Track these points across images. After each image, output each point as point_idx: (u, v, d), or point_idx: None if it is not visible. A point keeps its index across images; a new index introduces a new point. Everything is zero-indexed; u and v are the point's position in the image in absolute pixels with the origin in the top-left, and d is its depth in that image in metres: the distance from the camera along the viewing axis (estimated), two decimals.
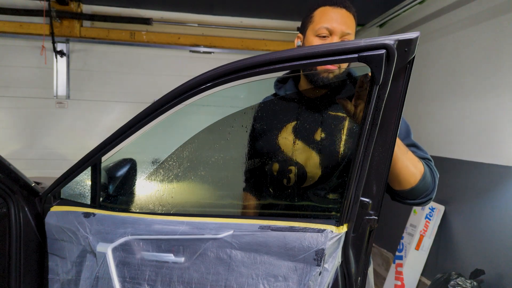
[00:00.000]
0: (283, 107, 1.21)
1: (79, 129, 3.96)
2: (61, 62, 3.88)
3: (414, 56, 0.83)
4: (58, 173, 1.27)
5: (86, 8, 3.88)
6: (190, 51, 4.12)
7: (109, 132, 1.09)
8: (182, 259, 1.02)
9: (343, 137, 1.10)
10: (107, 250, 1.09)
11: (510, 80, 2.29)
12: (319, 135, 1.12)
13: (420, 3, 3.08)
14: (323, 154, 1.11)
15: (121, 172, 1.31)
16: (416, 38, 0.79)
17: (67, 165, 1.22)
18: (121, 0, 3.77)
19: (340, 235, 0.90)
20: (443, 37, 2.95)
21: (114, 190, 1.29)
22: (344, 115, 1.10)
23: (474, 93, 2.59)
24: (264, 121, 1.22)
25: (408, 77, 0.84)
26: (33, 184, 1.28)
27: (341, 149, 1.09)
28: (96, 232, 1.13)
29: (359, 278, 0.96)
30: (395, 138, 0.88)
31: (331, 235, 0.88)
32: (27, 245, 1.24)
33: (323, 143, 1.11)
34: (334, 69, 1.08)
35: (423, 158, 1.08)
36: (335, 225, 0.90)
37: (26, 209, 1.24)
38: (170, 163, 1.24)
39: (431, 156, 1.13)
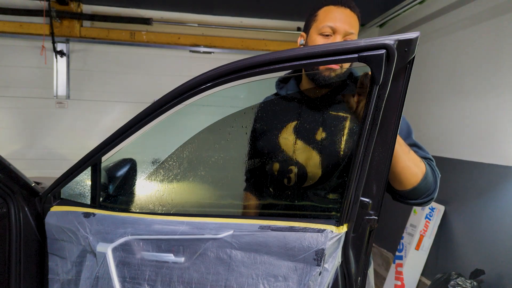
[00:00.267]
0: (284, 107, 1.21)
1: (79, 129, 3.96)
2: (61, 62, 3.88)
3: (414, 56, 0.83)
4: (58, 173, 1.27)
5: (86, 8, 3.88)
6: (190, 51, 4.12)
7: (109, 132, 1.09)
8: (182, 259, 1.02)
9: (344, 137, 1.09)
10: (107, 250, 1.09)
11: (510, 80, 2.29)
12: (320, 135, 1.12)
13: (420, 3, 3.08)
14: (323, 154, 1.10)
15: (121, 172, 1.31)
16: (416, 38, 0.79)
17: (67, 165, 1.22)
18: (121, 0, 3.77)
19: (340, 235, 0.90)
20: (443, 37, 2.95)
21: (114, 190, 1.29)
22: (345, 115, 1.10)
23: (474, 93, 2.59)
24: (265, 121, 1.22)
25: (408, 77, 0.84)
26: (33, 184, 1.28)
27: (342, 149, 1.09)
28: (96, 232, 1.13)
29: (359, 278, 0.96)
30: (395, 138, 0.88)
31: (331, 235, 0.88)
32: (27, 245, 1.24)
33: (324, 143, 1.11)
34: (336, 68, 1.08)
35: (424, 158, 1.08)
36: (335, 225, 0.90)
37: (26, 209, 1.24)
38: (170, 163, 1.24)
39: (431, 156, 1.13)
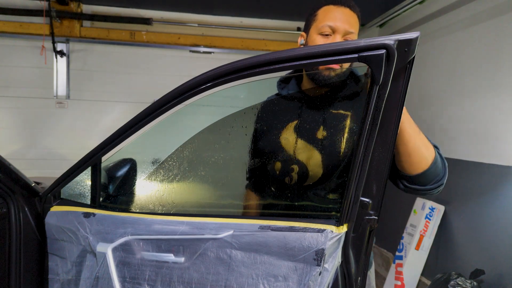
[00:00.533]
0: (286, 106, 1.21)
1: (79, 129, 3.96)
2: (61, 62, 3.87)
3: (414, 56, 0.83)
4: (58, 173, 1.27)
5: (86, 8, 3.88)
6: (190, 51, 4.12)
7: (109, 132, 1.09)
8: (182, 259, 1.02)
9: (345, 136, 1.09)
10: (107, 250, 1.09)
11: (510, 80, 2.29)
12: (321, 134, 1.12)
13: (420, 3, 3.08)
14: (324, 153, 1.10)
15: (121, 172, 1.31)
16: (416, 38, 0.79)
17: (67, 165, 1.22)
18: (121, 0, 3.77)
19: (340, 235, 0.90)
20: (443, 37, 2.95)
21: (114, 190, 1.29)
22: (346, 112, 1.10)
23: (474, 93, 2.59)
24: (266, 121, 1.22)
25: (408, 77, 0.84)
26: (33, 184, 1.28)
27: (343, 148, 1.09)
28: (96, 232, 1.13)
29: (359, 278, 0.96)
30: (395, 138, 0.88)
31: (331, 235, 0.88)
32: (27, 245, 1.24)
33: (325, 142, 1.11)
34: (336, 68, 1.08)
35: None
36: (335, 225, 0.90)
37: (26, 209, 1.24)
38: (170, 163, 1.24)
39: None
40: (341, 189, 1.07)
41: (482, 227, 2.44)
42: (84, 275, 1.15)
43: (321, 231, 0.90)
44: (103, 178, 1.24)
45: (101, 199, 1.22)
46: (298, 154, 1.13)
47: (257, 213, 1.27)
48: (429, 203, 2.88)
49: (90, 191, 1.21)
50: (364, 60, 0.79)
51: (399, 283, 2.87)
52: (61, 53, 3.81)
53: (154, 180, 1.26)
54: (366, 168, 0.87)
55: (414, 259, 2.85)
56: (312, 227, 0.92)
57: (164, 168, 1.24)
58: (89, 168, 1.17)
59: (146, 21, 3.84)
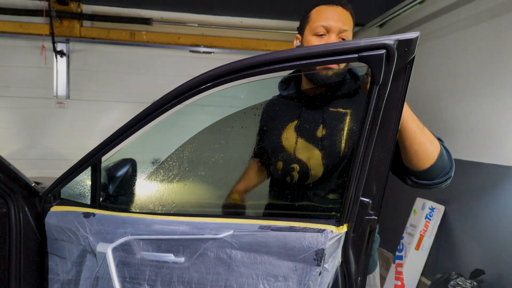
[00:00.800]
0: (286, 107, 1.21)
1: (79, 129, 3.96)
2: (61, 62, 3.87)
3: (414, 56, 0.83)
4: (58, 173, 1.27)
5: (86, 8, 3.88)
6: (190, 51, 4.12)
7: (109, 132, 1.09)
8: (182, 259, 1.02)
9: (345, 135, 1.10)
10: (107, 250, 1.09)
11: (510, 80, 2.29)
12: (321, 133, 1.12)
13: (420, 3, 3.08)
14: (324, 153, 1.11)
15: (121, 172, 1.31)
16: (416, 38, 0.79)
17: (67, 165, 1.22)
18: (121, 0, 3.77)
19: (340, 235, 0.90)
20: (443, 37, 2.95)
21: (114, 190, 1.29)
22: (346, 110, 1.10)
23: (474, 93, 2.59)
24: (266, 121, 1.23)
25: (408, 77, 0.84)
26: (33, 184, 1.28)
27: (342, 147, 1.09)
28: (96, 232, 1.13)
29: (359, 278, 0.96)
30: (395, 138, 0.88)
31: (331, 235, 0.88)
32: (27, 245, 1.24)
33: (325, 141, 1.11)
34: (334, 67, 1.08)
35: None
36: (335, 225, 0.90)
37: (26, 209, 1.24)
38: (170, 163, 1.24)
39: None
40: (341, 189, 1.08)
41: (482, 227, 2.44)
42: (84, 275, 1.15)
43: (321, 231, 0.90)
44: (103, 178, 1.24)
45: (101, 199, 1.22)
46: (298, 153, 1.13)
47: (257, 213, 1.27)
48: (429, 203, 2.88)
49: (90, 191, 1.21)
50: (364, 60, 0.79)
51: (399, 283, 2.87)
52: (61, 53, 3.81)
53: (154, 180, 1.26)
54: (366, 168, 0.87)
55: (414, 259, 2.85)
56: (312, 227, 0.92)
57: (164, 168, 1.24)
58: (89, 168, 1.17)
59: (146, 21, 3.84)
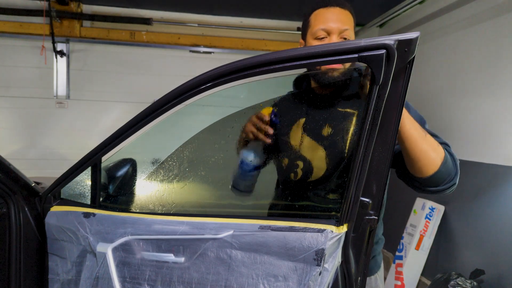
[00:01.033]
0: (295, 105, 1.22)
1: (79, 129, 3.96)
2: (61, 62, 3.88)
3: (414, 56, 0.83)
4: (58, 173, 1.27)
5: (86, 8, 3.88)
6: (190, 51, 4.12)
7: (109, 132, 1.09)
8: (182, 259, 1.02)
9: (349, 135, 1.10)
10: (107, 250, 1.09)
11: (510, 80, 2.29)
12: (326, 131, 1.12)
13: (420, 3, 3.08)
14: (329, 150, 1.11)
15: (121, 172, 1.31)
16: (416, 38, 0.79)
17: (67, 165, 1.22)
18: (121, 0, 3.77)
19: (340, 235, 0.90)
20: (443, 37, 2.95)
21: (114, 190, 1.29)
22: (352, 111, 1.10)
23: (474, 93, 2.59)
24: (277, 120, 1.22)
25: (408, 77, 0.84)
26: (33, 184, 1.28)
27: (345, 146, 1.09)
28: (96, 232, 1.13)
29: (359, 278, 0.96)
30: (395, 138, 0.88)
31: (331, 235, 0.88)
32: (27, 245, 1.24)
33: (330, 140, 1.11)
34: (338, 67, 1.08)
35: (440, 143, 1.06)
36: (335, 225, 0.90)
37: (26, 209, 1.24)
38: (170, 163, 1.24)
39: None
40: (341, 189, 1.08)
41: (482, 227, 2.44)
42: (84, 275, 1.15)
43: (321, 231, 0.90)
44: (103, 178, 1.24)
45: (101, 199, 1.22)
46: (302, 151, 1.14)
47: (257, 212, 1.27)
48: (429, 203, 2.88)
49: (90, 191, 1.21)
50: (364, 60, 0.79)
51: (399, 283, 2.87)
52: (61, 53, 3.82)
53: (154, 180, 1.26)
54: (366, 168, 0.87)
55: (414, 259, 2.85)
56: (312, 227, 0.92)
57: (164, 168, 1.24)
58: (89, 168, 1.17)
59: (146, 21, 3.84)
